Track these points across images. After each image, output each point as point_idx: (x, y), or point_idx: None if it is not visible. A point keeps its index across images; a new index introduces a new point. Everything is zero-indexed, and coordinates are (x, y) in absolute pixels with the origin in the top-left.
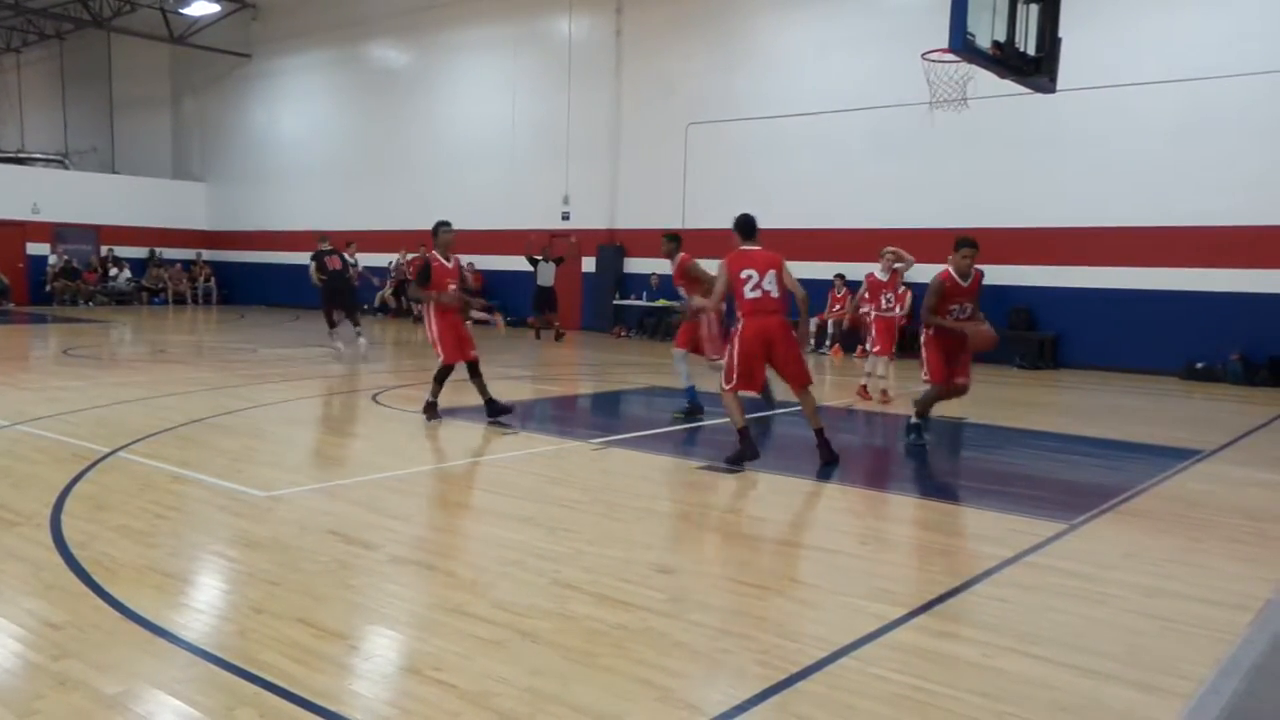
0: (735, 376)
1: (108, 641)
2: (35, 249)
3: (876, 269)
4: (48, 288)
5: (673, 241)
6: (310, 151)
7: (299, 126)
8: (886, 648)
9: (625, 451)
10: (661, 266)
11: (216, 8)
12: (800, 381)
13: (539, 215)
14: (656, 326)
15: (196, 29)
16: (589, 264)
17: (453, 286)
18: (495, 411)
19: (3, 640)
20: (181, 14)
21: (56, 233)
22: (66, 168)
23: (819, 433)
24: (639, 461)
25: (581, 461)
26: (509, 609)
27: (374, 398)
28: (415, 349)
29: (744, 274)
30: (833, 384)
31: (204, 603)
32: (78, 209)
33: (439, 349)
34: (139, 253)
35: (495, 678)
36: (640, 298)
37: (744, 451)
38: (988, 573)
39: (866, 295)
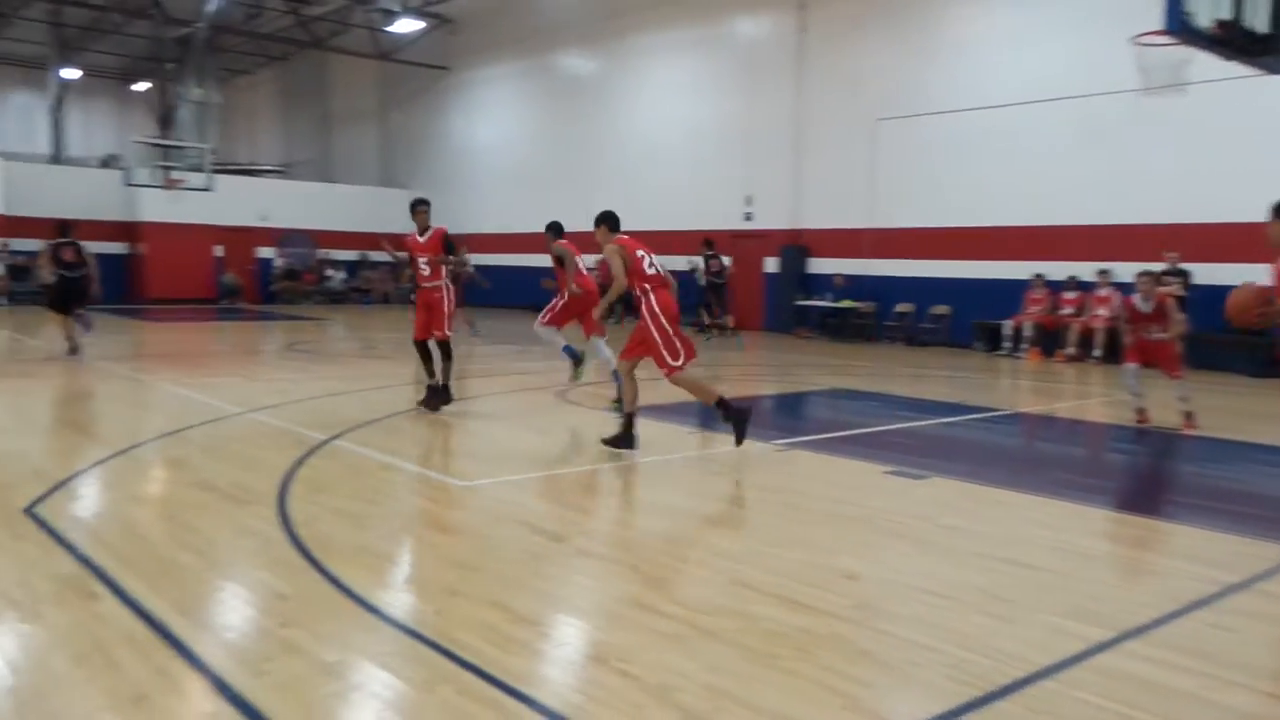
0: (681, 351)
1: (326, 613)
2: (263, 252)
3: (1135, 295)
4: (272, 288)
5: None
6: (503, 157)
7: (492, 134)
8: (1092, 671)
9: (809, 453)
10: (847, 267)
11: (420, 25)
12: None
13: (722, 216)
14: (841, 327)
15: (401, 46)
16: (771, 264)
17: (424, 260)
18: (431, 400)
19: (240, 606)
20: (388, 32)
21: (280, 238)
22: (289, 178)
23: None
24: (823, 464)
25: (764, 462)
26: (691, 606)
27: (562, 394)
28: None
29: (639, 253)
30: (1029, 389)
31: (408, 583)
32: (298, 216)
33: None
34: (351, 256)
35: (677, 673)
36: (824, 298)
37: (628, 438)
38: (1210, 598)
39: (1127, 322)
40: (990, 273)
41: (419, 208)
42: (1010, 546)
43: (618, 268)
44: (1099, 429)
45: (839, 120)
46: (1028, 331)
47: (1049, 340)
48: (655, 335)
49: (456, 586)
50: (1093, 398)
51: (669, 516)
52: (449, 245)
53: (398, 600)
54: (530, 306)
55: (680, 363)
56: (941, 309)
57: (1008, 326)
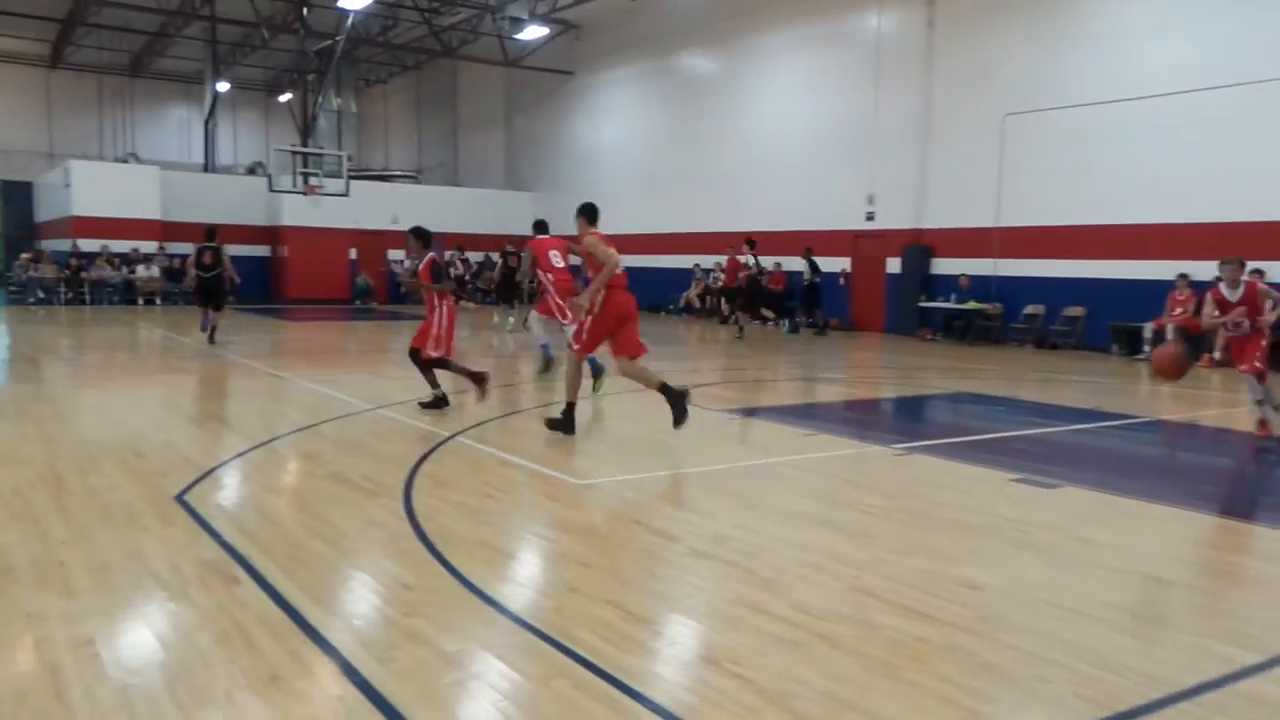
0: (588, 341)
1: (448, 605)
2: (394, 254)
3: (1222, 285)
4: (401, 289)
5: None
6: (625, 159)
7: (615, 136)
8: (1239, 697)
9: (929, 458)
10: (971, 267)
11: (546, 31)
12: (636, 352)
13: (843, 216)
14: (966, 330)
15: (527, 52)
16: (894, 265)
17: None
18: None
19: (367, 595)
20: (515, 39)
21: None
22: (419, 183)
23: (665, 387)
24: (944, 469)
25: (883, 466)
26: (807, 611)
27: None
28: (719, 349)
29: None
30: (1171, 395)
31: (526, 578)
32: (427, 219)
33: None
34: (475, 257)
35: (792, 678)
36: (948, 299)
37: (567, 424)
38: None
39: (1217, 313)
40: (1129, 272)
41: (408, 237)
42: (1146, 560)
43: (605, 252)
44: (1246, 438)
45: (966, 116)
46: (1170, 334)
47: (1194, 344)
48: (589, 322)
49: (573, 583)
50: (1240, 405)
51: (785, 519)
52: (436, 273)
53: (517, 594)
54: (645, 308)
55: (579, 348)
56: (1075, 310)
57: (1148, 329)
